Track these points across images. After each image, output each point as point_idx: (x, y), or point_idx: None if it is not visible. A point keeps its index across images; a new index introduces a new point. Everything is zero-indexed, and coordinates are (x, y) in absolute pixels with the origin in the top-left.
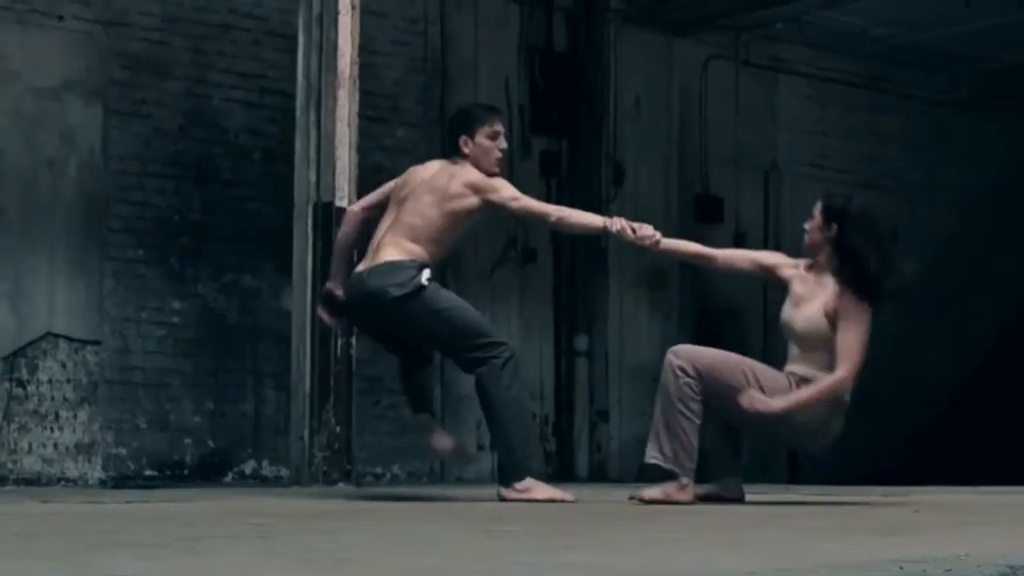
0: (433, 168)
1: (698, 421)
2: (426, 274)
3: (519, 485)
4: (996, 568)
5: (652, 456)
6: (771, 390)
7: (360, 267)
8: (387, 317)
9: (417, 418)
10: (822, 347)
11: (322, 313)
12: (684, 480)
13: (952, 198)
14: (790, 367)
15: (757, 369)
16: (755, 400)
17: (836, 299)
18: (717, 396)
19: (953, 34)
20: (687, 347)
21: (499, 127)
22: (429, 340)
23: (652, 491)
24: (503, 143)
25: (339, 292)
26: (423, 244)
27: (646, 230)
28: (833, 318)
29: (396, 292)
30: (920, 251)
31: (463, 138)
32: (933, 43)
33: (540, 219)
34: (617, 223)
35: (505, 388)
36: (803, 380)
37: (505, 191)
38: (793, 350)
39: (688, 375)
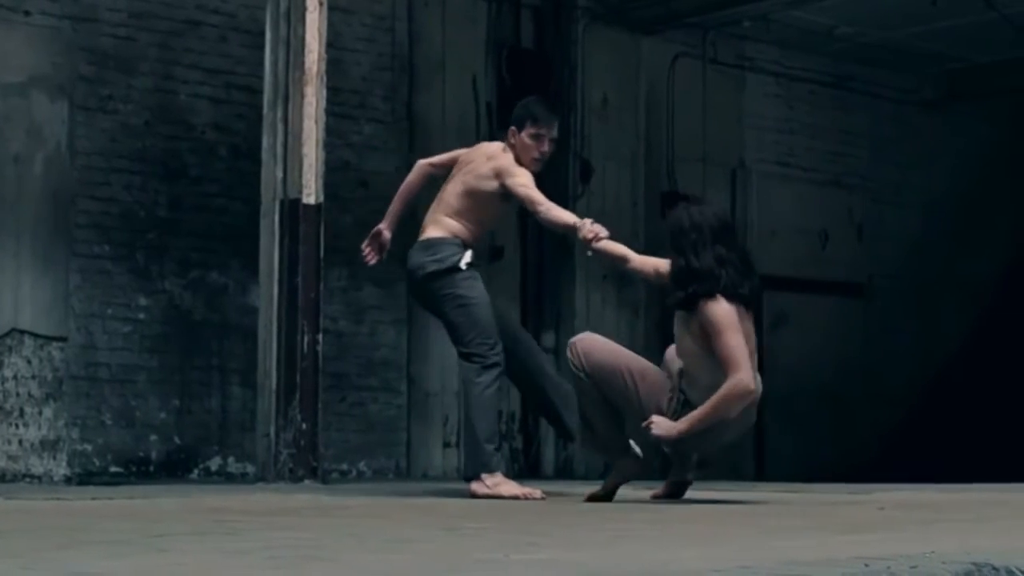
0: (488, 149)
1: (606, 407)
2: (467, 256)
3: (489, 480)
4: (961, 565)
5: (584, 441)
6: (649, 393)
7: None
8: (419, 295)
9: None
10: (696, 369)
11: (366, 250)
12: (621, 458)
13: (918, 197)
14: (684, 382)
15: (637, 372)
16: (656, 426)
17: (697, 317)
18: (611, 399)
19: (919, 33)
20: (585, 340)
21: (545, 131)
22: (442, 319)
23: (606, 483)
24: (545, 147)
25: (387, 233)
26: (460, 222)
27: (596, 226)
28: (701, 336)
29: (431, 268)
30: (887, 249)
31: (512, 129)
32: (900, 42)
33: (532, 208)
34: (585, 222)
35: (485, 387)
36: (687, 403)
37: (520, 177)
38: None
39: (582, 371)
